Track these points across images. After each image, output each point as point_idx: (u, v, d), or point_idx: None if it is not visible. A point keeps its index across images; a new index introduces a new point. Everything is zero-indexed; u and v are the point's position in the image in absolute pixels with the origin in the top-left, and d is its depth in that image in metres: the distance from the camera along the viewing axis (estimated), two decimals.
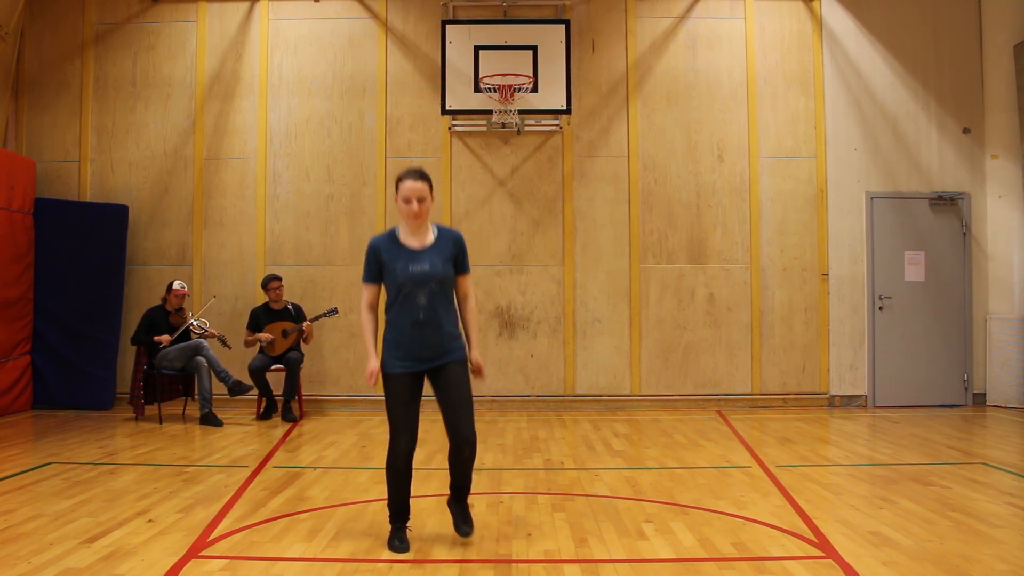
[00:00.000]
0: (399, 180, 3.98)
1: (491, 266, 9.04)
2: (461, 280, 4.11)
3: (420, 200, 3.94)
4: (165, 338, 7.94)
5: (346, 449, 6.69)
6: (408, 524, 4.17)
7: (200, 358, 7.92)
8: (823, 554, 3.90)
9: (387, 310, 4.04)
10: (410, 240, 4.01)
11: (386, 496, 4.18)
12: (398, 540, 4.03)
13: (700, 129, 9.19)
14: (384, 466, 4.15)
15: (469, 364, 4.12)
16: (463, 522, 4.16)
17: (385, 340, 4.02)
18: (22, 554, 3.88)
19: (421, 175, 3.99)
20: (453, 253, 4.03)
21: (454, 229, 4.18)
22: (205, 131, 9.23)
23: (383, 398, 4.17)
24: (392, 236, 4.04)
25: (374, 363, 4.03)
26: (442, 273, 3.95)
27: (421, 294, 3.93)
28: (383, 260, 4.00)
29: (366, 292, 4.08)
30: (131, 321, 8.71)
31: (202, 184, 9.20)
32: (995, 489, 5.22)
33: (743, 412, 8.69)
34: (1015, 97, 8.90)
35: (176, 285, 8.16)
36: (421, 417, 4.24)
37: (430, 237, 4.03)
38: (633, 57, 9.24)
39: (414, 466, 5.86)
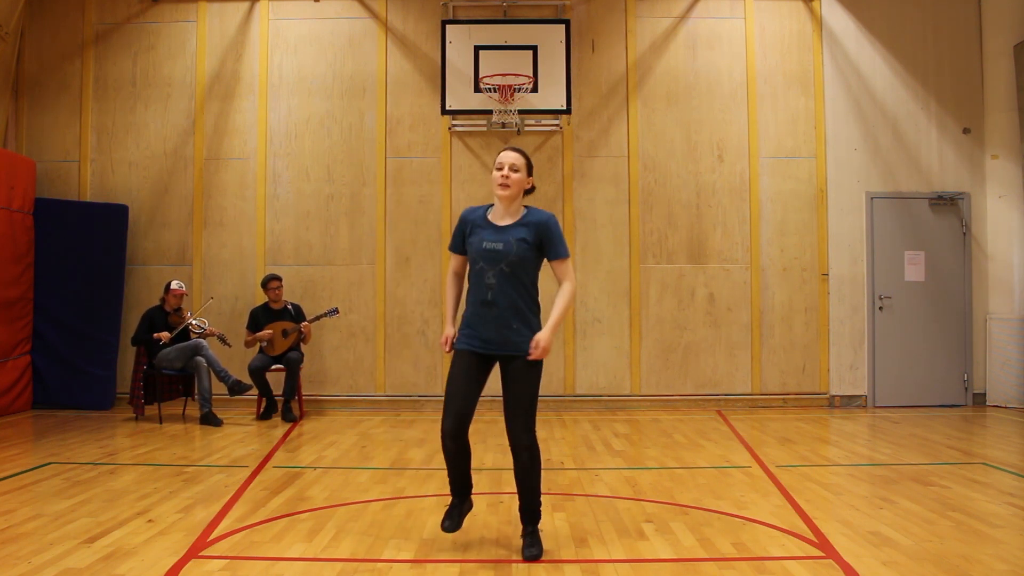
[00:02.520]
0: (499, 153, 3.94)
1: None
2: (555, 266, 3.92)
3: (513, 168, 3.85)
4: (165, 335, 7.94)
5: (346, 449, 6.69)
6: (470, 498, 4.08)
7: (199, 358, 7.92)
8: (823, 554, 3.90)
9: (469, 282, 3.97)
10: (497, 217, 3.91)
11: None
12: (447, 519, 3.96)
13: (700, 129, 9.19)
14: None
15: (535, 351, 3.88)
16: (526, 545, 3.90)
17: (463, 315, 3.98)
18: (22, 554, 3.88)
19: (521, 151, 3.95)
20: (536, 236, 3.84)
21: (546, 212, 3.95)
22: (205, 131, 9.23)
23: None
24: (483, 210, 3.98)
25: (449, 330, 4.02)
26: (515, 255, 3.79)
27: (490, 272, 3.81)
28: (467, 231, 3.94)
29: (452, 260, 4.07)
30: (131, 321, 8.71)
31: (202, 184, 9.20)
32: (995, 489, 5.22)
33: (743, 412, 8.69)
34: (1015, 97, 8.90)
35: (174, 285, 8.15)
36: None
37: (517, 217, 3.90)
38: (633, 57, 9.24)
39: (415, 466, 5.90)
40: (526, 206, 3.97)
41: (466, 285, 4.03)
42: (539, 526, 4.00)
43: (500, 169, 3.87)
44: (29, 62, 9.30)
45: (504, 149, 3.94)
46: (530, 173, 3.95)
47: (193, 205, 9.19)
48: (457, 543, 4.09)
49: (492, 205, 3.98)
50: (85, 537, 4.15)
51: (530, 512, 3.95)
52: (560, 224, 4.11)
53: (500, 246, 3.81)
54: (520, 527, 4.00)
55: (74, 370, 8.72)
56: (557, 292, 3.92)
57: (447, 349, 4.02)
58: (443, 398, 3.94)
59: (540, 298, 3.98)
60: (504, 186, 3.84)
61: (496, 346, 3.86)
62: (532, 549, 3.87)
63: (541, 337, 3.80)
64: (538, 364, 3.88)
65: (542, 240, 3.86)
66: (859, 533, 4.23)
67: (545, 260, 3.93)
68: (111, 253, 8.87)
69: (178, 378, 8.24)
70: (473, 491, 4.12)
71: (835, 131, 9.15)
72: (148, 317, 8.07)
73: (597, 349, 9.07)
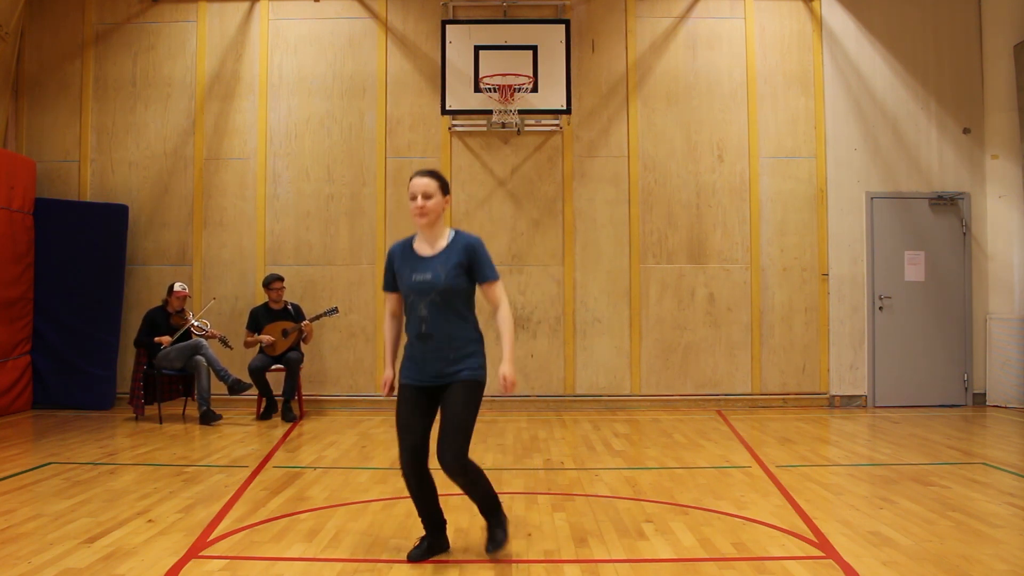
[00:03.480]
0: (410, 180, 3.80)
1: None
2: (486, 289, 3.82)
3: (425, 196, 3.71)
4: (165, 339, 7.94)
5: (346, 449, 6.69)
6: (444, 532, 3.97)
7: (199, 357, 7.92)
8: (823, 554, 3.90)
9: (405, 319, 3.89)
10: (422, 246, 3.81)
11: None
12: (415, 548, 3.86)
13: (700, 129, 9.19)
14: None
15: (475, 383, 3.84)
16: (487, 540, 3.92)
17: (404, 349, 3.89)
18: (22, 554, 3.88)
19: (430, 173, 3.80)
20: (464, 261, 3.74)
21: (472, 235, 3.86)
22: (205, 131, 9.23)
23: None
24: (408, 242, 3.87)
25: (388, 373, 3.93)
26: (444, 284, 3.68)
27: (422, 305, 3.70)
28: (395, 267, 3.84)
29: (387, 300, 3.96)
30: (131, 321, 8.71)
31: (202, 184, 9.20)
32: (995, 489, 5.22)
33: (743, 412, 8.69)
34: (1015, 97, 8.90)
35: (177, 287, 8.16)
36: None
37: (442, 243, 3.79)
38: (633, 57, 9.24)
39: None
40: (454, 229, 3.89)
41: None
42: (503, 522, 3.95)
43: (414, 199, 3.74)
44: (29, 62, 9.30)
45: (415, 175, 3.80)
46: (446, 192, 3.82)
47: (193, 205, 9.19)
48: (457, 543, 4.09)
49: (415, 235, 3.89)
50: (85, 537, 4.15)
51: (480, 508, 3.93)
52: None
53: (429, 276, 3.71)
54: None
55: (74, 370, 8.72)
56: (497, 319, 3.85)
57: (386, 392, 3.92)
58: (397, 431, 3.83)
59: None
60: (422, 215, 3.73)
61: (436, 378, 3.77)
62: (489, 545, 3.87)
63: (505, 372, 3.78)
64: (476, 388, 3.81)
65: (472, 264, 3.76)
66: (859, 533, 4.23)
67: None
68: (111, 253, 8.87)
69: (178, 378, 8.24)
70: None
71: (835, 131, 9.15)
72: (150, 318, 8.08)
73: (597, 349, 9.07)
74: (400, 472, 3.86)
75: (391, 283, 3.90)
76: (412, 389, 3.80)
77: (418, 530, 4.31)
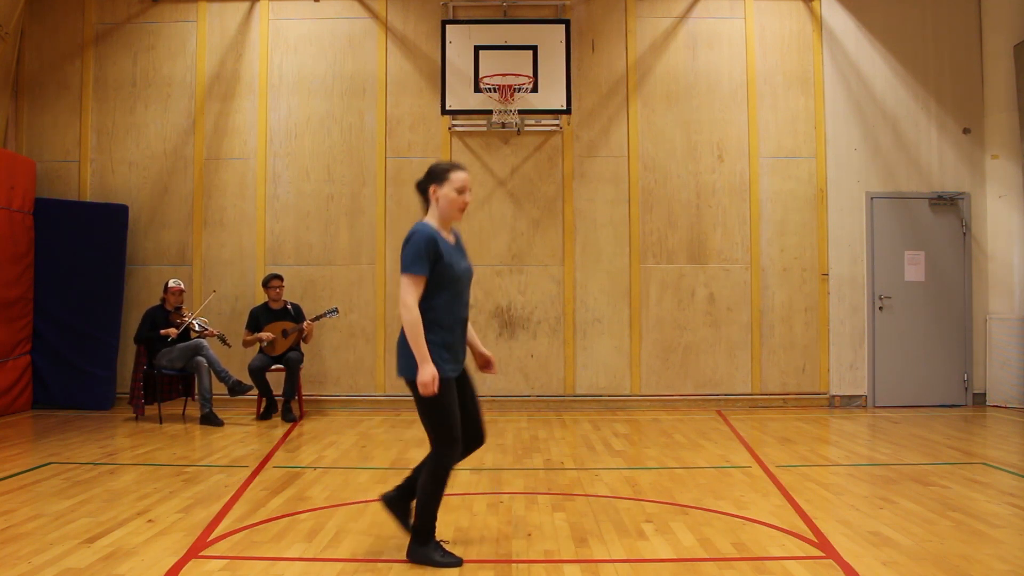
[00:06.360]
0: (451, 170, 3.73)
1: (491, 266, 9.04)
2: None
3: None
4: (172, 331, 7.94)
5: (346, 449, 6.69)
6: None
7: (200, 358, 7.92)
8: (823, 554, 3.90)
9: (431, 309, 3.64)
10: (447, 235, 3.78)
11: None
12: (452, 555, 3.81)
13: (700, 129, 9.19)
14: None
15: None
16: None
17: (433, 342, 3.62)
18: (22, 554, 3.88)
19: None
20: None
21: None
22: (205, 131, 9.23)
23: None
24: (433, 229, 3.72)
25: (434, 369, 3.58)
26: None
27: (467, 291, 3.84)
28: (440, 252, 3.66)
29: (419, 288, 3.62)
30: (131, 321, 8.71)
31: (202, 184, 9.20)
32: (995, 489, 5.22)
33: (743, 412, 8.69)
34: (1015, 97, 8.90)
35: (171, 283, 8.17)
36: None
37: (453, 236, 3.85)
38: (633, 57, 9.24)
39: (415, 466, 5.89)
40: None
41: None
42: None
43: (463, 192, 3.73)
44: (29, 62, 9.30)
45: (459, 169, 3.76)
46: None
47: (193, 205, 9.19)
48: (457, 543, 4.09)
49: (430, 223, 3.75)
50: (85, 537, 4.15)
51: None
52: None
53: (469, 264, 3.86)
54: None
55: (74, 370, 8.72)
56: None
57: (436, 389, 3.58)
58: (447, 428, 3.68)
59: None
60: (464, 210, 3.80)
61: (462, 362, 3.85)
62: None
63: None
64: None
65: None
66: (859, 533, 4.23)
67: (437, 276, 3.68)
68: (111, 253, 8.87)
69: (178, 378, 8.24)
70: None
71: (835, 131, 9.15)
72: (150, 315, 8.08)
73: (597, 349, 9.07)
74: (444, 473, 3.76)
75: (431, 269, 3.65)
76: (454, 382, 3.73)
77: None
